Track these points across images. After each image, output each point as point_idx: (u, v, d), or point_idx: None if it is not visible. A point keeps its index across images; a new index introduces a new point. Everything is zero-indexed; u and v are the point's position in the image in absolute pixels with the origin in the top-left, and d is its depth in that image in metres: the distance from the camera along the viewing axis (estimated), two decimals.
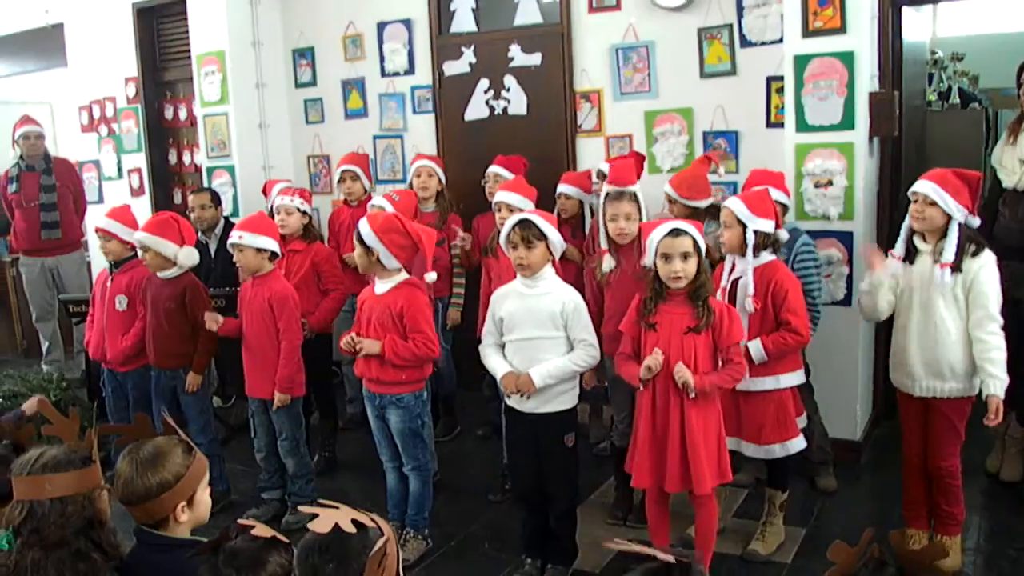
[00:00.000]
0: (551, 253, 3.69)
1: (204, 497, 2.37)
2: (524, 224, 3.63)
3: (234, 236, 4.35)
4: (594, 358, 3.67)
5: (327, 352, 5.26)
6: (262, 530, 1.94)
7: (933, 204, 3.50)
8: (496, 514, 4.53)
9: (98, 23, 7.52)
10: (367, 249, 3.89)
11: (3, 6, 8.12)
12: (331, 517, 1.74)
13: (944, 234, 3.52)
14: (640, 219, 3.99)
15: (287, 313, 4.34)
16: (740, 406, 3.81)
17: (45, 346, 7.44)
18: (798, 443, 3.84)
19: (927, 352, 3.58)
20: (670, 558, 1.63)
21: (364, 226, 3.89)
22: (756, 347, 3.71)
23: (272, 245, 4.35)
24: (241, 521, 1.97)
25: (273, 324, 4.35)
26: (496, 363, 3.75)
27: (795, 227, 4.35)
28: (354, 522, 1.75)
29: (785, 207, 4.27)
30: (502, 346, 3.77)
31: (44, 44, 8.07)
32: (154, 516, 2.29)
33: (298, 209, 5.03)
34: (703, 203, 4.38)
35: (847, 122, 4.59)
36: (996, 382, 3.46)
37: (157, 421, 4.57)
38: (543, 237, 3.63)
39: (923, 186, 3.52)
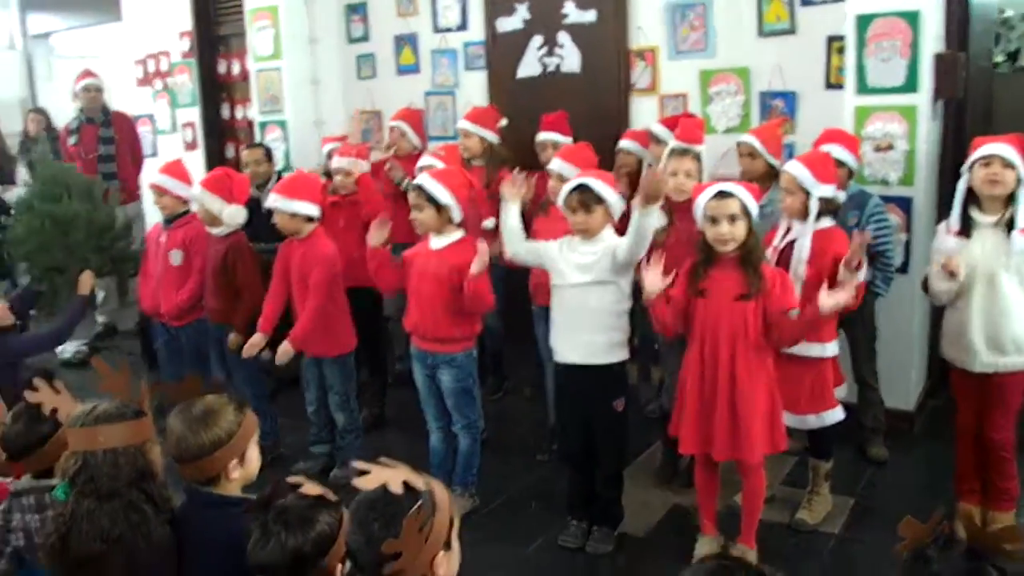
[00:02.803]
0: (610, 215, 3.67)
1: (254, 454, 2.39)
2: (582, 188, 3.61)
3: (271, 198, 4.36)
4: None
5: (377, 308, 5.26)
6: (311, 488, 1.95)
7: (1008, 167, 3.39)
8: (543, 473, 4.54)
9: None
10: (439, 208, 3.90)
11: None
12: (381, 476, 1.74)
13: (1008, 202, 3.42)
14: (700, 180, 3.93)
15: (319, 272, 4.33)
16: (780, 373, 3.71)
17: (100, 296, 7.54)
18: (835, 414, 3.77)
19: (990, 327, 3.48)
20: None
21: (436, 186, 3.90)
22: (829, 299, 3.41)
23: (306, 209, 4.33)
24: (290, 479, 1.98)
25: None
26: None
27: (862, 190, 4.26)
28: (406, 484, 1.74)
29: (852, 171, 4.18)
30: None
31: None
32: (207, 473, 2.31)
33: (357, 170, 5.03)
34: (778, 163, 4.30)
35: (910, 84, 4.47)
36: None
37: (215, 368, 4.70)
38: (601, 200, 3.60)
39: (1000, 148, 3.41)
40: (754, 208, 3.38)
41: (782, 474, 4.31)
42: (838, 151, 4.06)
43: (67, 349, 6.56)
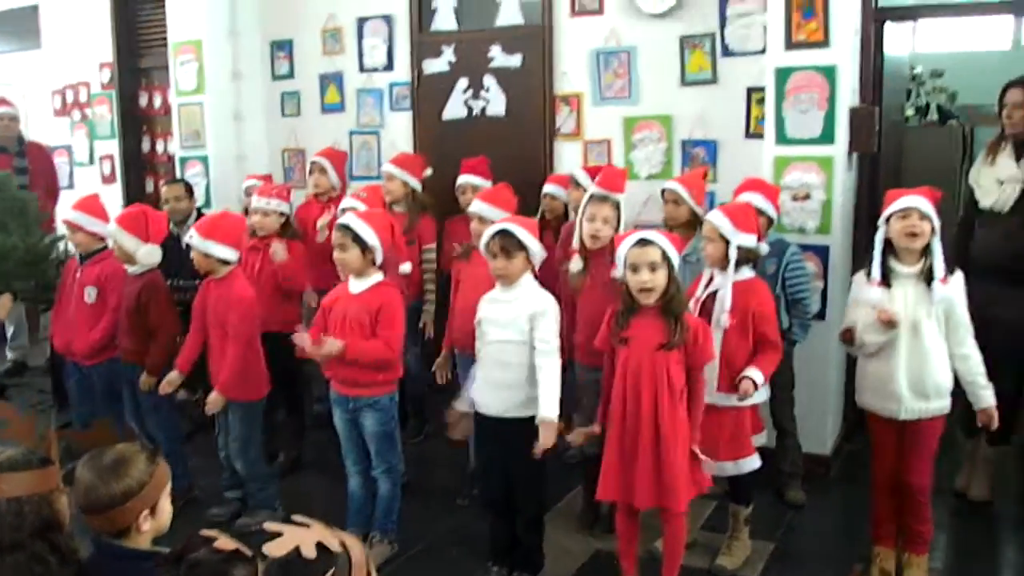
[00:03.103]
0: (531, 262, 3.68)
1: (166, 505, 2.32)
2: (503, 234, 3.62)
3: (191, 234, 4.29)
4: (558, 363, 3.63)
5: (293, 348, 5.18)
6: (225, 543, 1.89)
7: (925, 218, 3.49)
8: (464, 517, 4.49)
9: (74, 6, 7.41)
10: (364, 249, 3.87)
11: None
12: (293, 539, 1.68)
13: (925, 252, 3.52)
14: (617, 229, 3.97)
15: (237, 316, 4.26)
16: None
17: (10, 331, 7.31)
18: (752, 462, 3.81)
19: (914, 374, 3.55)
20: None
21: (363, 227, 3.88)
22: (759, 375, 3.66)
23: (220, 252, 4.24)
24: (203, 532, 1.92)
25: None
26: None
27: (780, 238, 4.34)
28: (320, 545, 1.69)
29: (771, 220, 4.25)
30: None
31: (19, 25, 7.97)
32: (117, 525, 2.23)
33: (275, 211, 4.97)
34: (701, 211, 4.35)
35: (827, 136, 4.60)
36: (989, 392, 3.55)
37: (129, 411, 4.56)
38: (523, 247, 3.61)
39: (917, 201, 3.50)
40: (675, 257, 3.41)
41: (702, 519, 4.33)
42: (758, 200, 4.12)
43: None
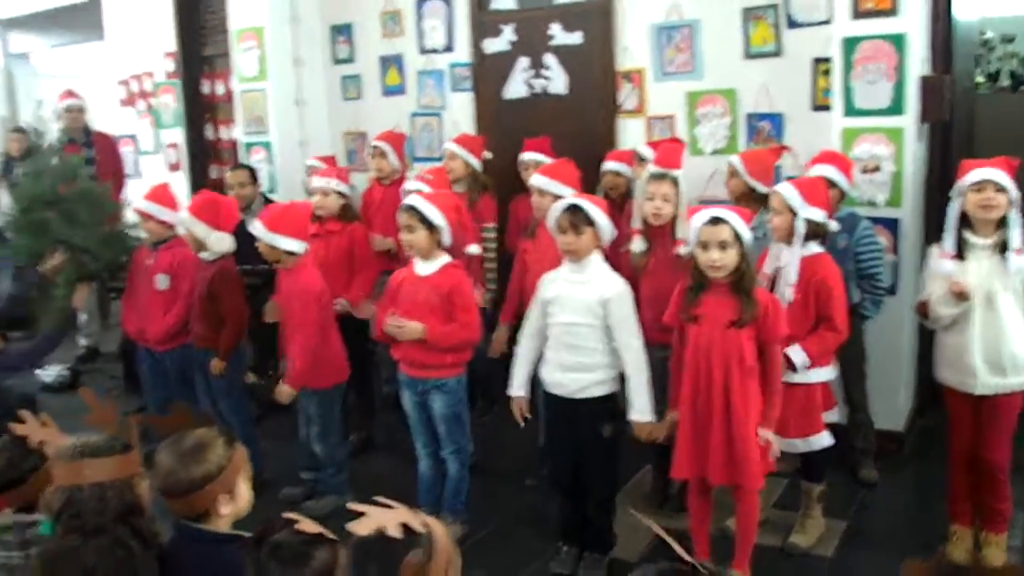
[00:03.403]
0: (599, 239, 3.65)
1: (245, 489, 2.35)
2: (573, 209, 3.59)
3: (256, 226, 4.30)
4: (643, 355, 3.64)
5: (364, 331, 5.23)
6: (308, 525, 1.91)
7: (1001, 191, 3.40)
8: (532, 497, 4.50)
9: None
10: (431, 229, 3.87)
11: None
12: (378, 519, 1.69)
13: (1000, 223, 3.43)
14: (678, 205, 3.93)
15: (301, 305, 4.28)
16: None
17: (82, 318, 7.45)
18: (822, 439, 3.76)
19: (990, 348, 3.47)
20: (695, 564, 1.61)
21: (430, 207, 3.88)
22: (799, 355, 3.61)
23: (286, 244, 4.23)
24: (286, 514, 1.94)
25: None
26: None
27: (852, 212, 4.25)
28: (404, 526, 1.69)
29: (843, 193, 4.18)
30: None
31: (82, 18, 8.11)
32: (196, 509, 2.27)
33: (335, 190, 4.99)
34: (762, 187, 4.28)
35: (896, 107, 4.49)
36: None
37: (202, 396, 4.63)
38: (591, 223, 3.58)
39: (993, 174, 3.42)
40: (747, 235, 3.35)
41: (773, 497, 4.28)
42: (831, 172, 4.07)
43: (49, 373, 6.48)
